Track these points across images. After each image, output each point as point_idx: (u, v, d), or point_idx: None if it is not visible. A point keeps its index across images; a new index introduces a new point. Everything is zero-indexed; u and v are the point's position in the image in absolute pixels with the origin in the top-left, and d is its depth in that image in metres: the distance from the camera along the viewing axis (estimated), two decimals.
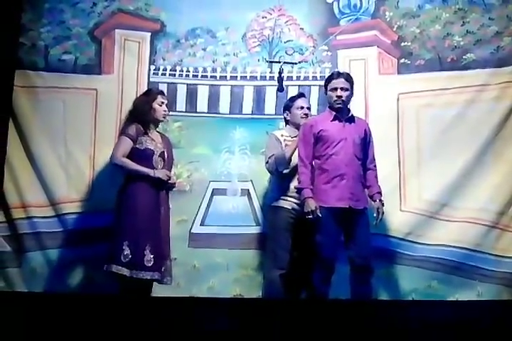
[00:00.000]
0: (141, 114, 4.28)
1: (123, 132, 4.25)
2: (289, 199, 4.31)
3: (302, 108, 4.46)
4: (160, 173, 4.17)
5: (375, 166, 4.26)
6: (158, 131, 4.40)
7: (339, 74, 4.26)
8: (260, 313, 3.80)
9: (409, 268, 4.67)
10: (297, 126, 4.40)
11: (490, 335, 3.52)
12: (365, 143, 4.24)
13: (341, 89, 4.18)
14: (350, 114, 4.24)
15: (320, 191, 4.12)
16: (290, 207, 4.31)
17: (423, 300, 4.56)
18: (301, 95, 4.58)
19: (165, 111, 4.33)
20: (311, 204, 4.04)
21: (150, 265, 4.05)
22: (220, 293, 4.67)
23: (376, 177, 4.26)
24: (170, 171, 4.34)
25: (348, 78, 4.24)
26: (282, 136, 4.44)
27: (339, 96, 4.17)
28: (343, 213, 4.08)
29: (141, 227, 4.08)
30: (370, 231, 4.17)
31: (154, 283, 4.20)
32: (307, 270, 4.25)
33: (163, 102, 4.33)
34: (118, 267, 4.04)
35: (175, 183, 4.33)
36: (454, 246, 4.65)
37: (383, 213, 4.16)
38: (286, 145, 4.37)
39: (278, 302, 4.16)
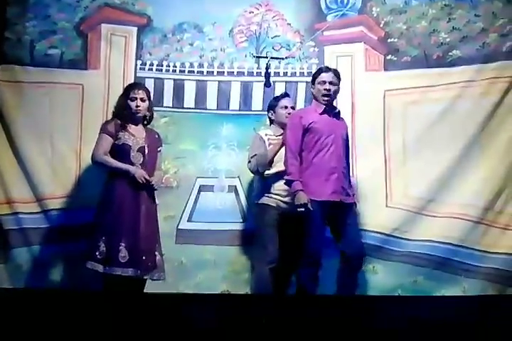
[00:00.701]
0: (118, 110, 4.29)
1: (102, 129, 4.25)
2: (273, 196, 4.34)
3: (286, 107, 4.47)
4: (137, 173, 4.12)
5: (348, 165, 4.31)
6: (147, 127, 4.37)
7: (328, 69, 4.27)
8: (248, 309, 3.83)
9: (395, 263, 4.70)
10: (282, 126, 4.43)
11: (475, 330, 3.57)
12: (347, 142, 4.28)
13: (330, 83, 4.19)
14: (337, 110, 4.27)
15: (311, 184, 4.08)
16: (275, 205, 4.33)
17: (409, 296, 4.59)
18: (285, 95, 4.59)
19: (137, 106, 4.25)
20: (303, 197, 4.01)
21: (124, 261, 4.02)
22: (208, 289, 4.67)
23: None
24: (154, 166, 4.30)
25: (337, 74, 4.25)
26: (266, 135, 4.47)
27: (327, 90, 4.18)
28: (332, 207, 4.09)
29: (117, 223, 4.07)
30: (359, 224, 4.25)
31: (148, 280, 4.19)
32: (293, 265, 4.27)
33: (135, 97, 4.25)
34: (93, 263, 4.04)
35: (154, 185, 4.22)
36: (440, 242, 4.68)
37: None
38: (270, 144, 4.39)
39: (265, 298, 4.19)
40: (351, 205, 4.17)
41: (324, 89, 4.18)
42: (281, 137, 4.39)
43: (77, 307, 3.89)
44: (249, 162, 4.40)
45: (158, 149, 4.39)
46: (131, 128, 4.26)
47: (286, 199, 4.31)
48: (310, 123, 4.14)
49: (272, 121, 4.57)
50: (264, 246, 4.27)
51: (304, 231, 4.07)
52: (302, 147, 4.15)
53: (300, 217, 4.07)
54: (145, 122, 4.37)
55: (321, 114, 4.20)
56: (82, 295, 4.29)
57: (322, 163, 4.11)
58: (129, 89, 4.32)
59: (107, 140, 4.20)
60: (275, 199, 4.34)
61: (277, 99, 4.55)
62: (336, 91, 4.23)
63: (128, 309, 3.82)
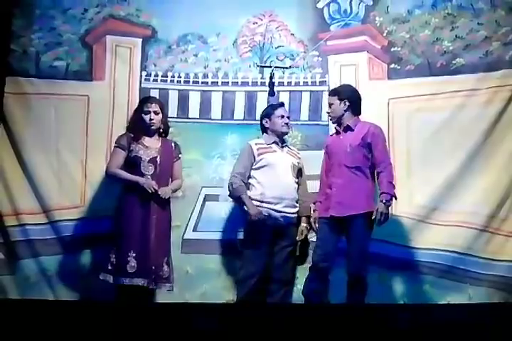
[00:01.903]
0: (132, 124, 4.41)
1: (115, 143, 4.37)
2: (265, 205, 4.37)
3: (283, 117, 4.53)
4: (146, 183, 4.20)
5: (385, 168, 4.24)
6: (164, 138, 4.46)
7: (329, 92, 4.51)
8: (254, 318, 3.83)
9: (401, 272, 4.70)
10: (277, 134, 4.52)
11: (481, 338, 3.56)
12: (364, 148, 4.26)
13: (328, 105, 4.39)
14: (346, 124, 4.33)
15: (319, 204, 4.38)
16: (267, 214, 4.37)
17: (415, 304, 4.58)
18: (281, 104, 4.64)
19: (151, 119, 4.35)
20: (312, 216, 4.42)
21: (132, 271, 4.11)
22: (213, 298, 4.68)
23: (386, 178, 4.22)
24: (168, 175, 4.39)
25: (332, 92, 4.44)
26: (256, 144, 4.52)
27: (327, 112, 4.42)
28: (335, 223, 4.21)
29: (127, 234, 4.17)
30: (364, 238, 4.21)
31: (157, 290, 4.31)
32: (285, 275, 4.42)
33: (149, 111, 4.36)
34: (105, 274, 4.18)
35: (160, 194, 4.25)
36: (445, 250, 4.67)
37: (383, 214, 4.14)
38: (259, 154, 4.45)
39: (271, 307, 4.20)
40: (355, 218, 4.17)
41: (326, 113, 4.45)
42: (272, 145, 4.50)
43: (84, 317, 3.90)
44: (233, 176, 4.46)
45: (175, 159, 4.48)
46: (145, 140, 4.36)
47: (278, 207, 4.36)
48: (326, 148, 4.42)
49: (265, 129, 4.59)
50: (251, 258, 4.33)
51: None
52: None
53: (293, 227, 4.41)
54: (162, 134, 4.46)
55: (334, 134, 4.43)
56: (90, 305, 4.31)
57: (325, 181, 4.37)
58: (142, 103, 4.43)
59: (119, 153, 4.32)
60: (267, 208, 4.37)
61: (274, 107, 4.60)
62: (336, 109, 4.33)
63: (134, 319, 3.84)
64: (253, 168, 4.46)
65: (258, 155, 4.45)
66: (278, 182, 4.39)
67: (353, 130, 4.31)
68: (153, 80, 5.06)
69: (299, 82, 5.05)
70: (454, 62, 4.93)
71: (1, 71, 4.94)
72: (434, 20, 5.02)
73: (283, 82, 5.01)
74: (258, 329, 3.67)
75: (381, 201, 4.16)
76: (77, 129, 4.93)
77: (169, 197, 4.35)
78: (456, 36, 4.97)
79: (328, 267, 4.22)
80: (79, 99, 4.98)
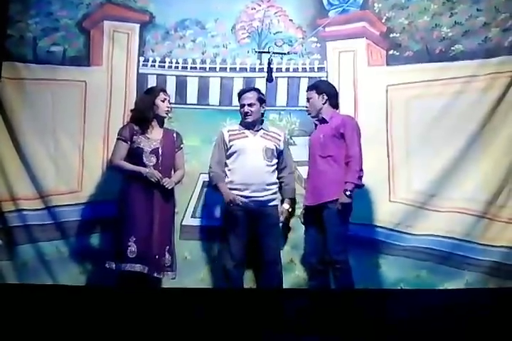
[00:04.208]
0: (141, 113, 4.35)
1: (118, 135, 4.35)
2: (234, 192, 4.36)
3: (243, 106, 4.49)
4: (149, 174, 4.21)
5: (351, 156, 4.22)
6: (165, 127, 4.45)
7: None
8: (252, 303, 3.85)
9: (399, 258, 4.70)
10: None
11: (477, 322, 3.58)
12: (337, 138, 4.28)
13: (307, 99, 4.48)
14: (320, 117, 4.40)
15: None
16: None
17: (412, 289, 4.60)
18: (247, 90, 4.58)
19: (168, 107, 4.38)
20: None
21: (133, 256, 4.10)
22: (211, 284, 4.70)
23: (352, 167, 4.20)
24: (171, 166, 4.39)
25: (310, 87, 4.51)
26: (229, 131, 4.53)
27: (306, 107, 4.51)
28: (314, 214, 4.28)
29: (128, 222, 4.17)
30: (339, 223, 4.20)
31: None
32: (274, 256, 4.41)
33: (165, 99, 4.38)
34: (109, 262, 4.18)
35: (164, 183, 4.25)
36: (443, 236, 4.69)
37: (343, 204, 4.14)
38: (230, 140, 4.45)
39: (270, 292, 4.22)
40: (327, 206, 4.20)
41: (305, 107, 4.52)
42: (245, 130, 4.49)
43: (82, 302, 3.93)
44: (210, 166, 4.47)
45: (177, 149, 4.47)
46: (149, 130, 4.36)
47: (245, 193, 4.36)
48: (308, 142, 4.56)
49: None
50: (228, 245, 4.36)
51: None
52: None
53: (268, 208, 4.40)
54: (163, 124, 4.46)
55: (315, 129, 4.49)
56: (88, 290, 4.34)
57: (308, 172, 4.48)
58: (155, 92, 4.41)
59: (122, 145, 4.32)
60: (235, 195, 4.35)
61: (239, 93, 4.58)
62: (312, 104, 4.42)
63: (132, 304, 3.85)
64: (227, 154, 4.47)
65: (229, 141, 4.46)
66: (246, 168, 4.39)
67: (327, 122, 4.36)
68: (151, 66, 5.04)
69: (298, 68, 5.04)
70: (452, 48, 4.93)
71: None
72: (433, 6, 5.01)
73: (281, 68, 4.99)
74: (253, 314, 3.70)
75: (344, 191, 4.15)
76: (74, 115, 4.91)
77: (172, 188, 4.34)
78: (455, 22, 4.97)
79: (314, 262, 4.31)
80: (76, 84, 4.95)
